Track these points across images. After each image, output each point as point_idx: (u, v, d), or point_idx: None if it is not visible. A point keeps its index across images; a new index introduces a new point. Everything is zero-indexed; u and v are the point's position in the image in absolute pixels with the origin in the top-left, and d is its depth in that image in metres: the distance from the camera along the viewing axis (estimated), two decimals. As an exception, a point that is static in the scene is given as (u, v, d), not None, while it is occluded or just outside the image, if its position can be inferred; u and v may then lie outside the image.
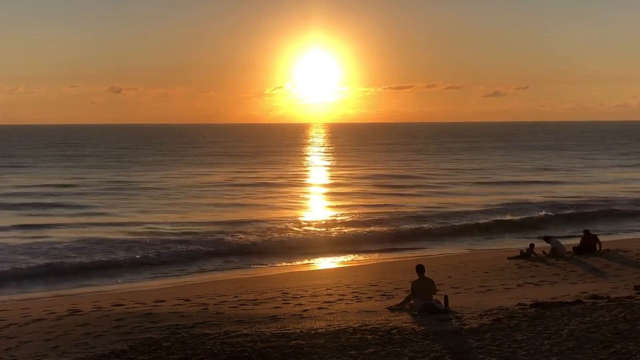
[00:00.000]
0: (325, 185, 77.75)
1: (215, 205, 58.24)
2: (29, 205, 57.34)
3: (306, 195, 67.68)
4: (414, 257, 35.63)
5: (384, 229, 45.58)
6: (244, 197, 63.84)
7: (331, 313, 20.35)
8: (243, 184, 76.17)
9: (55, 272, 33.02)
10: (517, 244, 38.40)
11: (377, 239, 42.61)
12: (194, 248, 38.61)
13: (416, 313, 19.66)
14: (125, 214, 52.54)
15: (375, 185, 75.01)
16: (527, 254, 31.62)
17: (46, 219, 49.65)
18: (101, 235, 42.25)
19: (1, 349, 17.75)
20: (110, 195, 65.93)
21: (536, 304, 19.97)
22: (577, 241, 33.56)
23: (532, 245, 32.55)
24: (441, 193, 67.81)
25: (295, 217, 50.82)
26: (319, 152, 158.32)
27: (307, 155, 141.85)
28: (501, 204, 56.73)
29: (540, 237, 35.51)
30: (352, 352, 15.75)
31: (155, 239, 41.25)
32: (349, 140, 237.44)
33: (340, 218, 50.19)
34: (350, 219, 49.37)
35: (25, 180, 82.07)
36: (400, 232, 44.47)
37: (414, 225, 46.46)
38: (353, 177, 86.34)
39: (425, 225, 46.59)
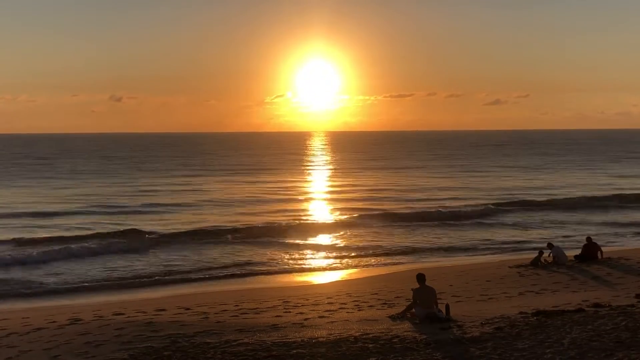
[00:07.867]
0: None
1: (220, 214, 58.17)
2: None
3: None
4: (415, 266, 35.52)
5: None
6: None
7: (332, 322, 20.32)
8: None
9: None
10: (521, 253, 38.19)
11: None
12: (191, 257, 38.67)
13: (417, 322, 19.63)
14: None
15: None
16: (535, 261, 31.58)
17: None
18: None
19: (2, 359, 17.72)
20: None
21: (538, 313, 19.94)
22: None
23: (540, 252, 32.37)
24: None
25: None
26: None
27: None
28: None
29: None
30: (354, 361, 15.71)
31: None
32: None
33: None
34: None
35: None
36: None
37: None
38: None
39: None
